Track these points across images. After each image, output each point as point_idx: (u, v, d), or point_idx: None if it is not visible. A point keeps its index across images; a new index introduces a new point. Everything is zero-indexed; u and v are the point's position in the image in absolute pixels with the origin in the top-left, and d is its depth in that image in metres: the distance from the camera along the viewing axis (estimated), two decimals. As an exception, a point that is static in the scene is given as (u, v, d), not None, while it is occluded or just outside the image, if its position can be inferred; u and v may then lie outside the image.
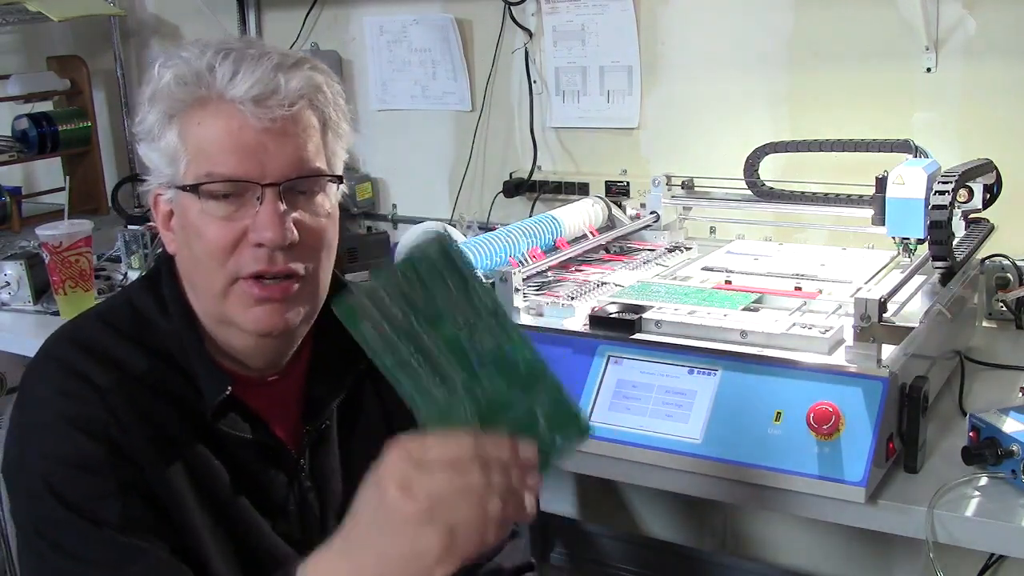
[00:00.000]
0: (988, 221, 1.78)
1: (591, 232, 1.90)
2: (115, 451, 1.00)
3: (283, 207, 1.03)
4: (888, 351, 1.31)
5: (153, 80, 1.04)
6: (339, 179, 1.10)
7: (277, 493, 1.11)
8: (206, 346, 1.09)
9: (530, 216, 2.11)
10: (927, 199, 1.51)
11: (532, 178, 2.46)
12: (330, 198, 1.09)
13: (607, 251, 1.90)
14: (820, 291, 1.58)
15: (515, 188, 2.47)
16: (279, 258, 1.03)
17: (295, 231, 1.03)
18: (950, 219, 1.49)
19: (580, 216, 1.92)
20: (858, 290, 1.52)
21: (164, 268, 1.12)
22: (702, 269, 1.76)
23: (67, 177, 2.46)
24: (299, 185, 1.05)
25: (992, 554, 1.81)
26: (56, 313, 2.08)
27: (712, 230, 2.03)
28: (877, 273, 1.68)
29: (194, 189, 1.02)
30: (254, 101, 1.01)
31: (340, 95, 1.11)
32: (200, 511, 1.04)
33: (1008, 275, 1.87)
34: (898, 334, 1.31)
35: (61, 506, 0.99)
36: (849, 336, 1.33)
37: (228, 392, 1.05)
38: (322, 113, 1.07)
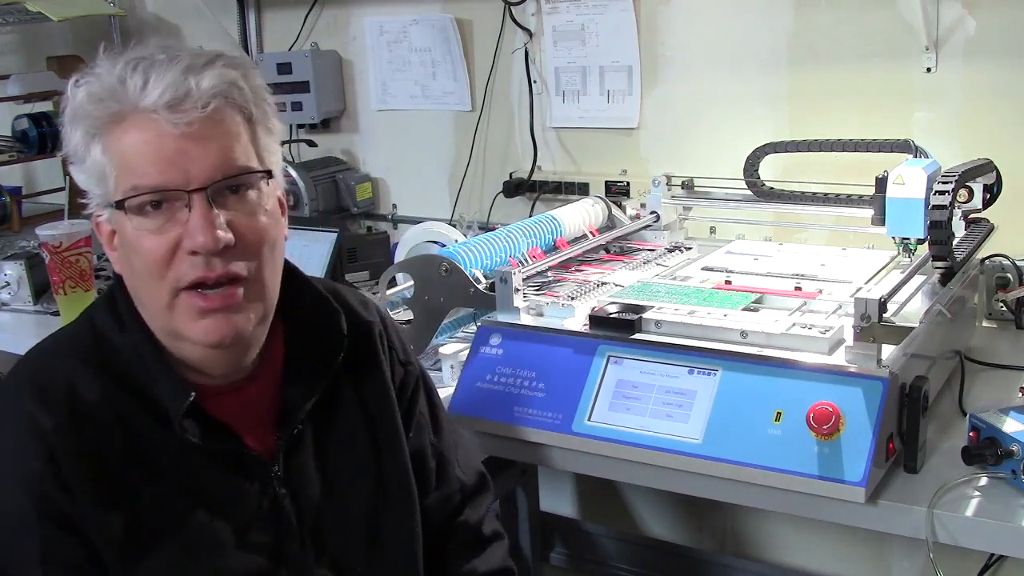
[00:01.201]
0: (988, 221, 1.77)
1: (591, 232, 1.90)
2: (46, 509, 0.99)
3: (213, 211, 1.00)
4: (888, 351, 1.31)
5: (69, 100, 1.03)
6: (268, 174, 1.07)
7: (249, 503, 1.08)
8: (166, 358, 1.06)
9: (530, 216, 2.12)
10: (927, 199, 1.51)
11: (532, 178, 2.46)
12: (266, 195, 1.06)
13: (607, 251, 1.90)
14: (820, 291, 1.58)
15: (515, 188, 2.47)
16: (216, 263, 1.01)
17: (229, 233, 1.01)
18: (950, 219, 1.49)
19: (580, 216, 1.92)
20: (858, 290, 1.52)
21: (119, 286, 1.10)
22: (702, 269, 1.76)
23: (67, 177, 2.46)
24: (229, 184, 1.02)
25: (992, 554, 1.82)
26: (56, 313, 2.08)
27: (712, 230, 2.03)
28: (877, 273, 1.68)
29: (120, 204, 1.01)
30: (167, 107, 0.98)
31: (263, 89, 1.08)
32: (148, 548, 1.02)
33: (1008, 275, 1.87)
34: (898, 334, 1.32)
35: None
36: (849, 336, 1.33)
37: (191, 400, 1.03)
38: (243, 109, 1.04)
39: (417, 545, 1.22)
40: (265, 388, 1.13)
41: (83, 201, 1.08)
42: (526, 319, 1.54)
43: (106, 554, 1.00)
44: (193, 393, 1.04)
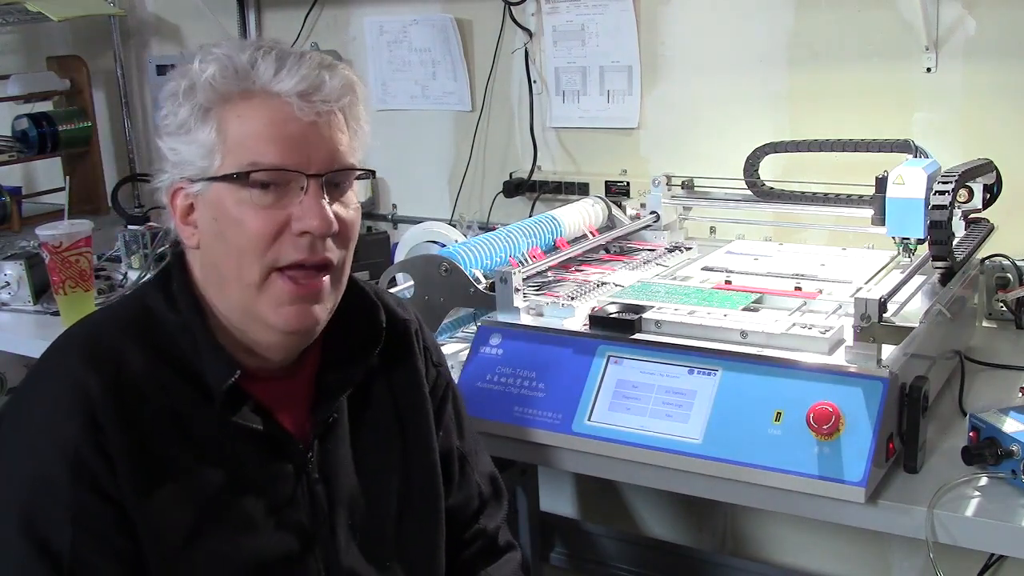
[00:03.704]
0: (988, 221, 1.77)
1: (591, 232, 1.90)
2: (81, 472, 0.99)
3: (326, 197, 1.05)
4: (888, 351, 1.31)
5: (191, 74, 1.05)
6: (371, 173, 1.14)
7: (284, 486, 1.11)
8: (216, 337, 1.09)
9: (530, 216, 2.12)
10: (927, 199, 1.51)
11: (532, 178, 2.46)
12: (355, 194, 1.13)
13: (607, 251, 1.90)
14: (820, 291, 1.58)
15: (515, 188, 2.47)
16: (319, 247, 1.06)
17: (335, 221, 1.06)
18: (950, 219, 1.49)
19: (580, 216, 1.92)
20: (858, 290, 1.52)
21: (175, 266, 1.12)
22: (702, 269, 1.76)
23: (67, 177, 2.46)
24: (336, 178, 1.08)
25: (992, 554, 1.82)
26: (56, 313, 2.08)
27: (712, 230, 2.03)
28: (877, 273, 1.68)
29: (243, 177, 1.03)
30: (300, 95, 1.03)
31: (368, 98, 1.14)
32: (184, 524, 1.03)
33: (1008, 275, 1.87)
34: (898, 334, 1.31)
35: (13, 519, 0.98)
36: (849, 336, 1.33)
37: (236, 377, 1.05)
38: (353, 112, 1.10)
39: (440, 539, 1.24)
40: (303, 375, 1.16)
41: (160, 169, 1.10)
42: (526, 319, 1.54)
43: (140, 526, 1.01)
44: (239, 371, 1.06)
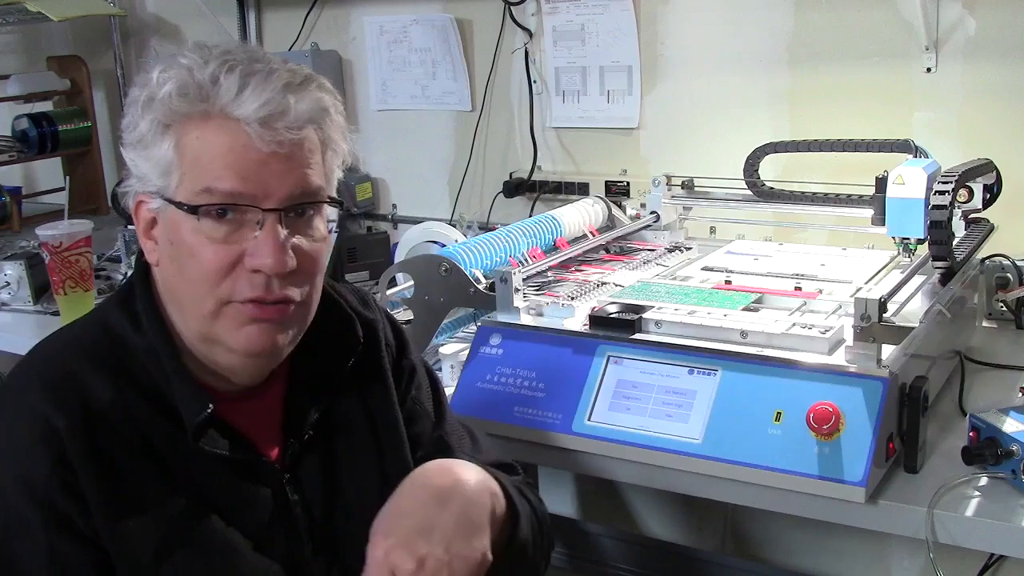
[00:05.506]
0: (988, 221, 1.78)
1: (591, 232, 1.90)
2: (52, 515, 0.96)
3: (283, 233, 0.99)
4: (888, 351, 1.31)
5: (150, 86, 0.99)
6: (339, 203, 1.07)
7: (262, 509, 1.07)
8: (185, 362, 1.04)
9: (530, 216, 2.12)
10: (927, 199, 1.51)
11: (532, 178, 2.46)
12: (325, 220, 1.06)
13: (607, 251, 1.90)
14: (820, 291, 1.58)
15: (515, 188, 2.47)
16: (275, 286, 1.00)
17: (294, 258, 1.00)
18: (950, 219, 1.49)
19: (580, 216, 1.92)
20: (858, 290, 1.52)
21: (139, 282, 1.07)
22: (702, 269, 1.76)
23: (67, 177, 2.46)
24: (300, 208, 1.01)
25: (992, 554, 1.82)
26: (56, 313, 2.08)
27: (712, 230, 2.03)
28: (877, 273, 1.68)
29: (193, 209, 0.98)
30: (261, 122, 0.96)
31: (342, 113, 1.07)
32: (162, 557, 1.00)
33: (1008, 275, 1.87)
34: (898, 334, 1.31)
35: None
36: (849, 336, 1.33)
37: (209, 411, 1.01)
38: (325, 134, 1.03)
39: None
40: (273, 395, 1.12)
41: (125, 181, 1.04)
42: (526, 319, 1.54)
43: (118, 562, 0.98)
44: (211, 406, 1.01)
